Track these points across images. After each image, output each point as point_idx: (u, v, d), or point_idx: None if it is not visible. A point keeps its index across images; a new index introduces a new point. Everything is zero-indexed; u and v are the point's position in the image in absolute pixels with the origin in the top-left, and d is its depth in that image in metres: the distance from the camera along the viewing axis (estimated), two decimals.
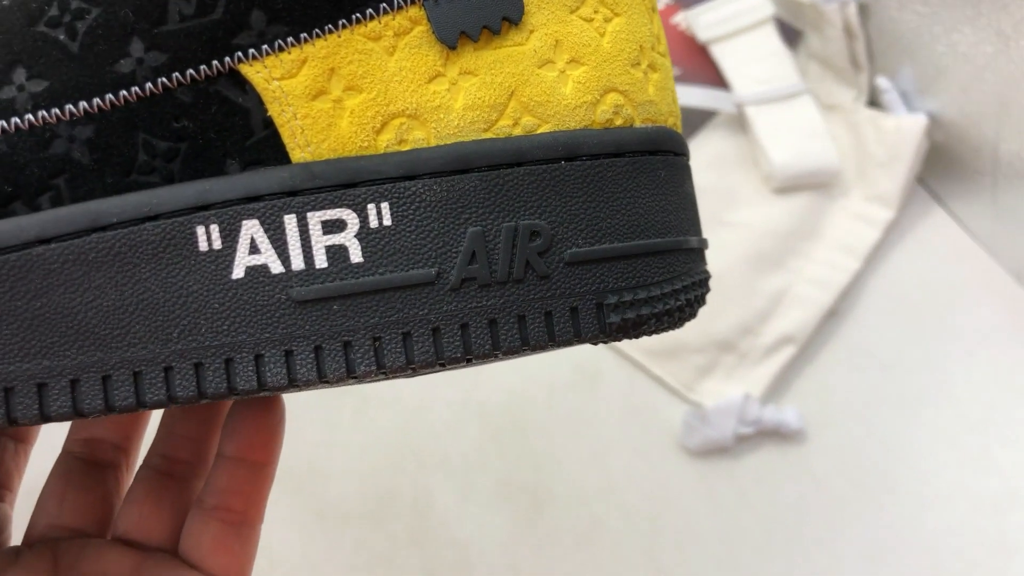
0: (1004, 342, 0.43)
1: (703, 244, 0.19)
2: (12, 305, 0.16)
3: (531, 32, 0.17)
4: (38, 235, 0.16)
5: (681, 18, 0.50)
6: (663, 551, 0.39)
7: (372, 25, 0.16)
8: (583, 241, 0.17)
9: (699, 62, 0.49)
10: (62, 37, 0.16)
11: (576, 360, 0.42)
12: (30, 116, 0.16)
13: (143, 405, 0.16)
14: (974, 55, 0.41)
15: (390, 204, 0.16)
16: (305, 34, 0.16)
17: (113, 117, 0.16)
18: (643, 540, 0.39)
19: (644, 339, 0.42)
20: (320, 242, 0.16)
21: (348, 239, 0.16)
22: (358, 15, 0.16)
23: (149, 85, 0.16)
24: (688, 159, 0.19)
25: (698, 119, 0.47)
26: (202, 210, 0.16)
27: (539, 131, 0.17)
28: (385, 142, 0.16)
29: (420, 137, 0.17)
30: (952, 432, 0.41)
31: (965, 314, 0.44)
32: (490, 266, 0.16)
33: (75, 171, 0.16)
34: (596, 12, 0.17)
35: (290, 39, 0.16)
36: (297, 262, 0.16)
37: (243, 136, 0.16)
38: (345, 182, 0.16)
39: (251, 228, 0.16)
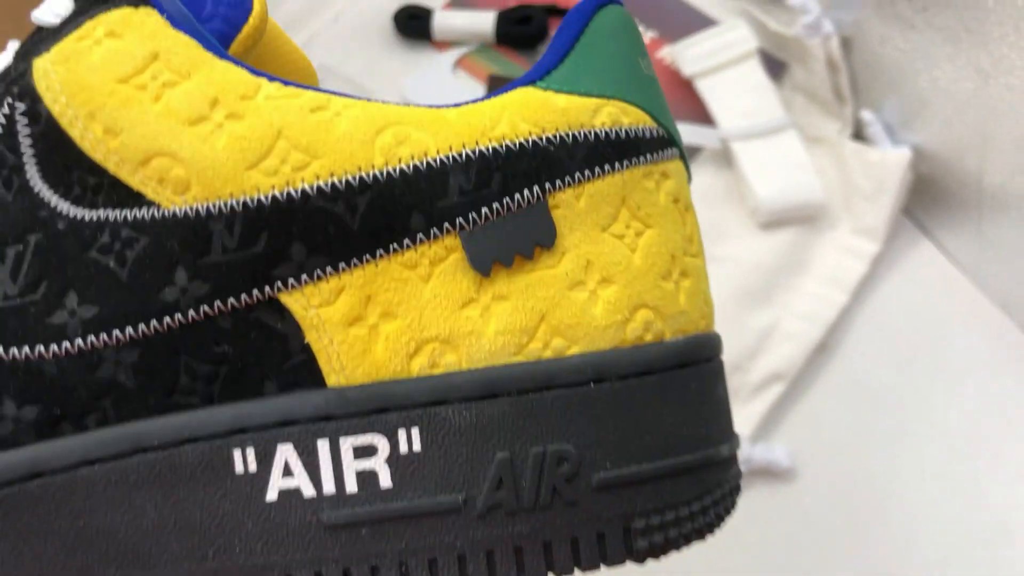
0: (992, 373, 0.43)
1: (735, 447, 0.19)
2: (56, 525, 0.16)
3: (563, 254, 0.17)
4: (83, 456, 0.17)
5: (666, 53, 0.50)
6: None
7: (409, 254, 0.17)
8: (611, 464, 0.17)
9: (684, 97, 0.49)
10: (112, 264, 0.16)
11: None
12: (80, 340, 0.17)
13: None
14: (955, 91, 0.42)
15: (420, 429, 0.16)
16: (343, 264, 0.17)
17: (157, 342, 0.17)
18: None
19: None
20: (351, 467, 0.17)
21: (378, 464, 0.17)
22: (395, 245, 0.17)
23: (192, 312, 0.17)
24: (720, 358, 0.19)
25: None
26: (239, 433, 0.17)
27: (568, 353, 0.17)
28: (418, 366, 0.17)
29: (452, 361, 0.17)
30: (942, 466, 0.41)
31: (953, 346, 0.44)
32: (517, 493, 0.16)
33: (120, 393, 0.17)
34: (628, 227, 0.18)
35: (328, 268, 0.17)
36: (328, 486, 0.16)
37: (281, 359, 0.17)
38: (377, 408, 0.17)
39: (285, 452, 0.17)
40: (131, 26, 0.17)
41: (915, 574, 0.39)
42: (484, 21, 0.50)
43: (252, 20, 0.18)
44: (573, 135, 0.17)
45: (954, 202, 0.45)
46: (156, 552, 0.16)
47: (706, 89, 0.48)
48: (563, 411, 0.17)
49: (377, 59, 0.51)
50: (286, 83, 0.17)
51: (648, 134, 0.18)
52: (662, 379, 0.17)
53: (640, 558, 0.17)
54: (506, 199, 0.17)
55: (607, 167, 0.17)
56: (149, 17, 0.17)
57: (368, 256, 0.17)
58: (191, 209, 0.17)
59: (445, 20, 0.51)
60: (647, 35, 0.51)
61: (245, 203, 0.17)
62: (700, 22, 0.51)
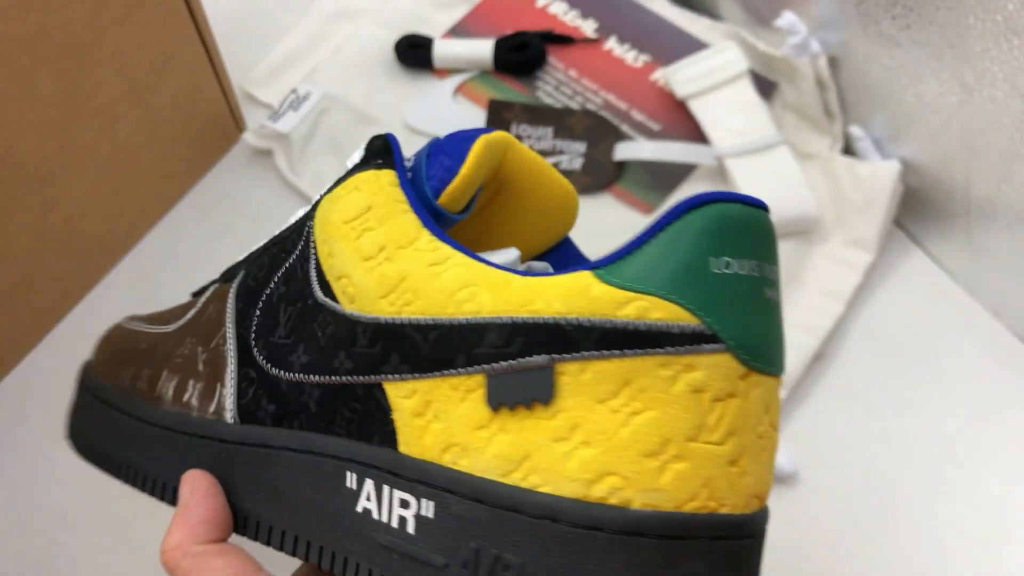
0: (986, 378, 0.44)
1: None
2: (264, 477, 0.26)
3: (558, 412, 0.21)
4: (286, 444, 0.25)
5: (659, 75, 0.52)
6: None
7: (455, 379, 0.22)
8: None
9: (678, 118, 0.51)
10: (319, 333, 0.25)
11: None
12: (298, 375, 0.25)
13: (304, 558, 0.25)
14: (941, 105, 0.43)
15: (434, 505, 0.22)
16: (418, 374, 0.23)
17: (329, 389, 0.24)
18: None
19: None
20: (396, 511, 0.23)
21: (410, 516, 0.23)
22: (449, 371, 0.22)
23: (345, 377, 0.24)
24: (696, 541, 0.20)
25: (680, 173, 0.49)
26: (352, 462, 0.24)
27: (539, 489, 0.21)
28: (447, 459, 0.22)
29: (465, 464, 0.22)
30: (940, 469, 0.42)
31: (948, 352, 0.45)
32: (476, 573, 0.21)
33: (309, 413, 0.25)
34: (626, 405, 0.20)
35: (409, 375, 0.23)
36: (383, 517, 0.23)
37: (382, 424, 0.24)
38: (417, 478, 0.22)
39: (369, 484, 0.23)
40: (368, 182, 0.25)
41: (917, 571, 0.40)
42: (483, 49, 0.52)
43: (453, 182, 0.24)
44: (592, 321, 0.21)
45: (943, 212, 0.46)
46: (304, 514, 0.25)
47: (699, 109, 0.50)
48: (521, 532, 0.21)
49: (380, 87, 0.52)
50: (452, 244, 0.23)
51: (678, 330, 0.20)
52: (611, 539, 0.20)
53: None
54: (519, 359, 0.21)
55: (612, 352, 0.21)
56: (385, 177, 0.25)
57: (433, 373, 0.23)
58: (352, 315, 0.24)
59: (445, 48, 0.52)
60: (640, 59, 0.53)
61: (375, 319, 0.24)
62: (692, 45, 0.53)
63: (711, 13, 0.56)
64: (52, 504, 0.41)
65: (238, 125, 0.50)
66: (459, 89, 0.52)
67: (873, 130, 0.48)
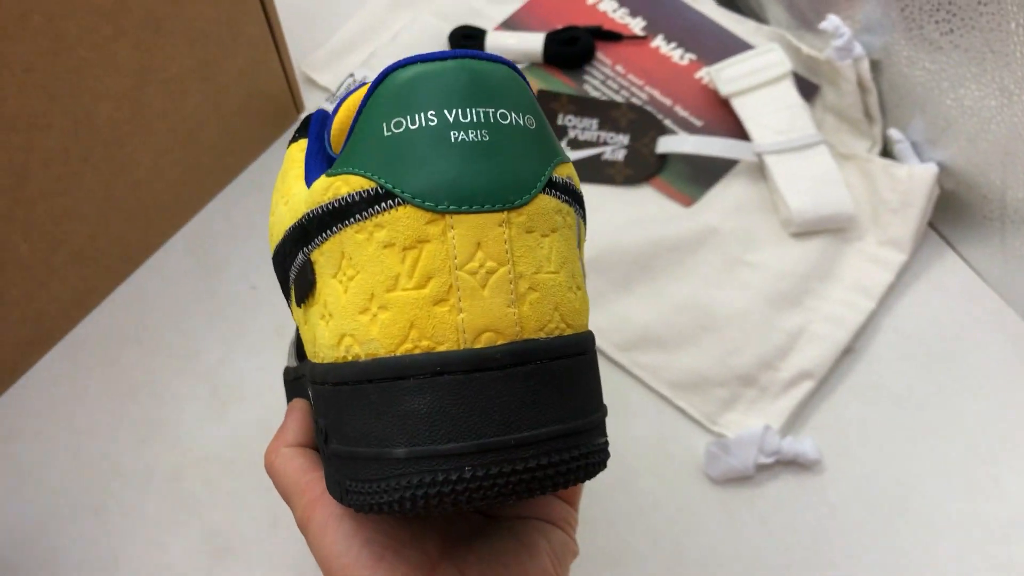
0: (1012, 378, 0.45)
1: (414, 453, 0.22)
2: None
3: (318, 297, 0.24)
4: (301, 373, 0.31)
5: (704, 73, 0.53)
6: (687, 573, 0.41)
7: (291, 292, 0.27)
8: (336, 441, 0.24)
9: (721, 114, 0.52)
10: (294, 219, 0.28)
11: (607, 393, 0.45)
12: (302, 258, 0.27)
13: None
14: (980, 108, 0.44)
15: (313, 390, 0.26)
16: (287, 297, 0.27)
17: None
18: (668, 562, 0.41)
19: (669, 373, 0.45)
20: None
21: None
22: (287, 286, 0.27)
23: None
24: (415, 379, 0.23)
25: (721, 167, 0.50)
26: None
27: (318, 361, 0.25)
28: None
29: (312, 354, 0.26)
30: (962, 462, 0.43)
31: (975, 352, 0.46)
32: (319, 438, 0.26)
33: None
34: (345, 273, 0.23)
35: (287, 297, 0.28)
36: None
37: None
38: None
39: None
40: (287, 154, 0.28)
41: (935, 563, 0.41)
42: (534, 42, 0.54)
43: (331, 130, 0.26)
44: (314, 212, 0.24)
45: (978, 216, 0.47)
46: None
47: (742, 107, 0.51)
48: (318, 399, 0.25)
49: None
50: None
51: (359, 197, 0.23)
52: (353, 390, 0.23)
53: (354, 508, 0.24)
54: (296, 259, 0.25)
55: (329, 231, 0.24)
56: (296, 146, 0.28)
57: (286, 293, 0.27)
58: (295, 222, 0.26)
59: (497, 40, 0.54)
60: (686, 57, 0.54)
61: (292, 224, 0.26)
62: (737, 46, 0.54)
63: (757, 15, 0.57)
64: (108, 453, 0.43)
65: (296, 106, 0.53)
66: None
67: (912, 133, 0.49)
